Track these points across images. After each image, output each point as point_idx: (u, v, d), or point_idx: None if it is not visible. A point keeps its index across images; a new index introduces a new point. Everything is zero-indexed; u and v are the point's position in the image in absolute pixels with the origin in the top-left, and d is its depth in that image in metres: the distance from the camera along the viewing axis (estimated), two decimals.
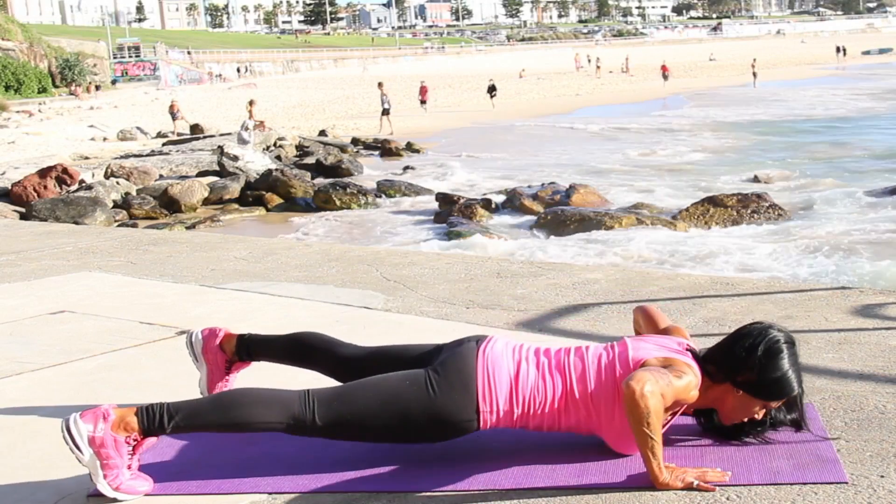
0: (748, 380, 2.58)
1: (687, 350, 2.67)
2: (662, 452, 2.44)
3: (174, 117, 30.63)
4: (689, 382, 2.54)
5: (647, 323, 2.94)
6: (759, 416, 2.66)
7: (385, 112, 29.52)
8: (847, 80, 49.94)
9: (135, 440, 2.55)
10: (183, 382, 3.37)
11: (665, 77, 49.68)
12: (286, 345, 3.00)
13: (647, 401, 2.38)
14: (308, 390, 2.63)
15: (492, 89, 37.72)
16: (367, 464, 2.67)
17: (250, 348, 3.06)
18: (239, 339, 3.07)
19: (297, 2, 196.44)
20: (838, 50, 73.66)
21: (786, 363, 2.57)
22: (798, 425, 2.69)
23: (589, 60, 71.91)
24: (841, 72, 57.98)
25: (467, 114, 35.05)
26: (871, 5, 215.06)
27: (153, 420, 2.55)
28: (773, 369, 2.56)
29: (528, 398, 2.61)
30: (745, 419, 2.66)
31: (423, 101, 35.11)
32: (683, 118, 31.80)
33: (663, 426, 2.52)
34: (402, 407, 2.58)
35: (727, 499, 2.37)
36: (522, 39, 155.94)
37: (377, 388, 2.62)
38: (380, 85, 30.96)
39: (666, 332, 2.82)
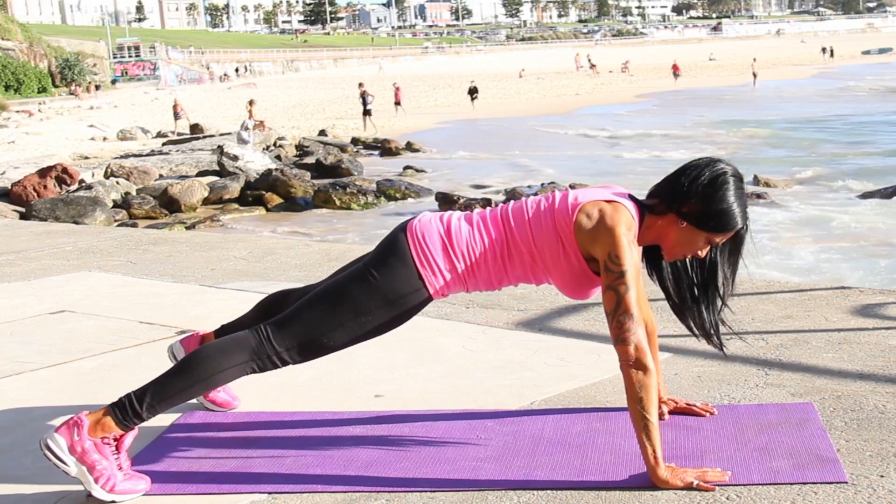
0: (692, 210, 2.54)
1: (623, 193, 2.64)
2: (660, 440, 2.43)
3: (177, 116, 30.63)
4: (631, 259, 2.48)
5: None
6: (703, 252, 2.62)
7: (367, 112, 29.51)
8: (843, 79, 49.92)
9: (115, 439, 2.54)
10: None
11: (676, 76, 50.68)
12: (256, 312, 3.00)
13: (638, 376, 2.41)
14: (260, 324, 2.63)
15: (473, 91, 37.50)
16: (367, 464, 2.67)
17: (227, 332, 3.04)
18: (216, 333, 3.07)
19: (297, 1, 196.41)
20: (824, 51, 72.87)
21: (731, 195, 2.53)
22: (733, 262, 2.65)
23: (589, 60, 71.97)
24: (836, 72, 57.89)
25: (467, 113, 35.07)
26: (871, 5, 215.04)
27: (125, 411, 2.54)
28: (718, 200, 2.52)
29: (466, 251, 2.61)
30: (689, 255, 2.62)
31: (397, 103, 34.92)
32: (683, 118, 31.79)
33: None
34: (350, 302, 2.59)
35: (727, 499, 2.37)
36: (522, 39, 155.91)
37: (321, 294, 2.63)
38: (360, 85, 31.08)
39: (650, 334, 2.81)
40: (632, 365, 2.43)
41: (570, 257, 2.58)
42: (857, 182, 16.81)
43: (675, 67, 52.10)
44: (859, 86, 45.19)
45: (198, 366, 2.58)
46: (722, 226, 2.55)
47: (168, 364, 3.04)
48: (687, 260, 2.71)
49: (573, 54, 74.94)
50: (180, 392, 2.58)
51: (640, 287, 2.53)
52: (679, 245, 2.60)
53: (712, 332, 2.72)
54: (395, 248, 2.63)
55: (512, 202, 2.71)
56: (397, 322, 2.65)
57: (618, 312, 2.46)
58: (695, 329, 2.74)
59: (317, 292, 2.67)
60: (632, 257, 2.50)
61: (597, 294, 2.64)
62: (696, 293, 2.71)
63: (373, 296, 2.59)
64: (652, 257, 2.75)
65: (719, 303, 2.71)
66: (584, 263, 2.58)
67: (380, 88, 39.51)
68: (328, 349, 2.64)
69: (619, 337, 2.45)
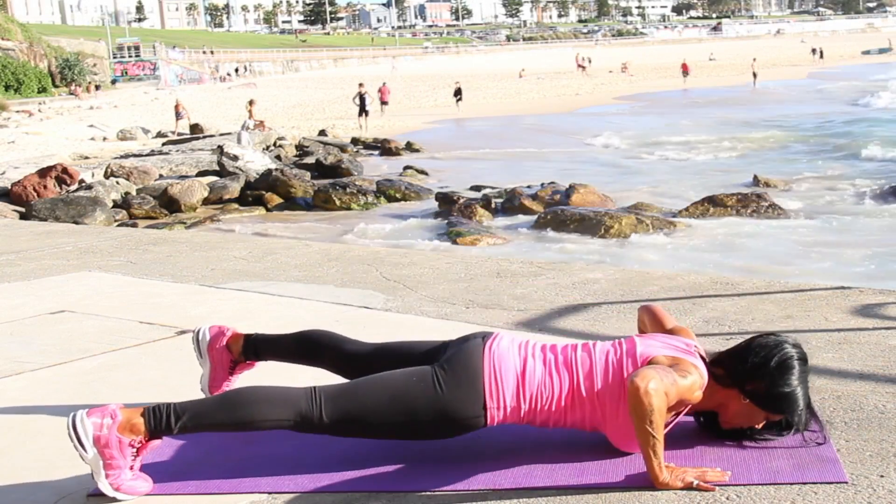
0: (756, 390, 2.59)
1: (694, 351, 2.67)
2: (663, 452, 2.44)
3: (178, 116, 30.62)
4: (694, 382, 2.55)
5: (652, 322, 2.93)
6: (760, 426, 2.67)
7: (365, 112, 29.41)
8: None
9: (140, 443, 2.55)
10: (183, 382, 3.37)
11: (685, 75, 51.31)
12: (293, 343, 3.00)
13: (651, 398, 2.38)
14: (315, 387, 2.63)
15: (457, 93, 37.24)
16: (367, 464, 2.67)
17: (258, 348, 3.06)
18: (246, 338, 3.07)
19: (297, 1, 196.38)
20: (814, 52, 72.14)
21: (795, 380, 2.58)
22: (781, 431, 2.68)
23: (589, 61, 71.98)
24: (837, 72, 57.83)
25: (467, 113, 35.09)
26: (871, 5, 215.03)
27: (160, 421, 2.55)
28: (783, 384, 2.57)
29: (535, 394, 2.61)
30: (746, 426, 2.67)
31: (383, 102, 35.10)
32: (680, 118, 31.80)
33: (666, 426, 2.52)
34: (409, 403, 2.58)
35: (727, 499, 2.37)
36: (522, 39, 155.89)
37: (384, 384, 2.62)
38: (360, 85, 30.98)
39: (672, 332, 2.82)
40: (644, 393, 2.39)
41: (628, 410, 2.54)
42: (859, 181, 16.81)
43: (684, 66, 52.80)
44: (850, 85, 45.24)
45: (243, 408, 2.58)
46: (783, 408, 2.60)
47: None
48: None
49: (574, 55, 74.94)
50: (217, 425, 2.59)
51: (670, 401, 2.51)
52: (739, 417, 2.66)
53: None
54: (469, 367, 2.61)
55: (581, 344, 2.71)
56: (442, 436, 2.65)
57: (666, 366, 2.50)
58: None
59: (381, 378, 2.64)
60: (693, 384, 2.53)
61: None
62: (748, 436, 2.73)
63: (432, 406, 2.58)
64: (705, 413, 2.76)
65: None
66: None
67: (392, 88, 39.56)
68: (367, 435, 2.66)
69: (653, 366, 2.48)
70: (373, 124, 29.95)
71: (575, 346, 2.71)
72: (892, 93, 38.19)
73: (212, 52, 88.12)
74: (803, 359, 2.62)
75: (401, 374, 2.64)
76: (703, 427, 2.77)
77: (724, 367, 2.66)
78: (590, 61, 72.08)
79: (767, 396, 2.58)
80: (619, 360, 2.62)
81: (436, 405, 2.57)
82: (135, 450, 2.54)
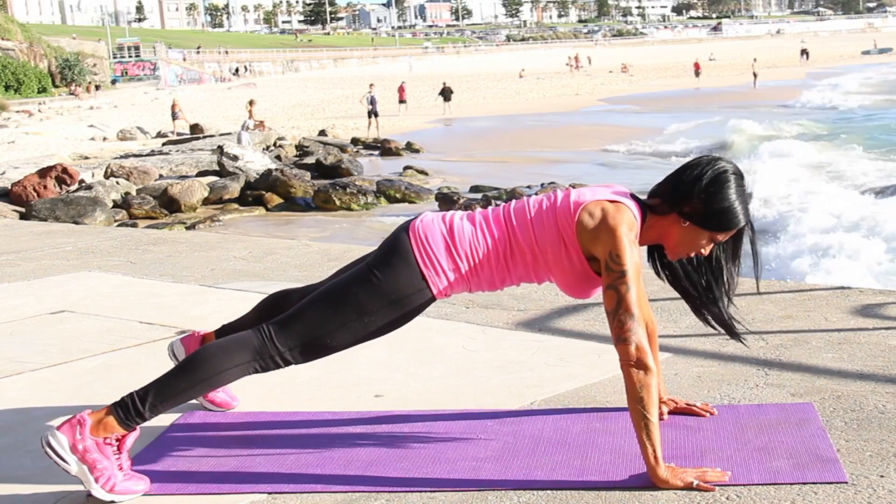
0: (695, 209, 2.55)
1: (625, 191, 2.65)
2: (660, 439, 2.43)
3: (175, 117, 30.62)
4: (632, 259, 2.49)
5: None
6: (706, 250, 2.63)
7: (374, 113, 29.20)
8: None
9: (116, 439, 2.54)
10: None
11: (697, 74, 51.72)
12: (258, 312, 3.00)
13: (639, 376, 2.41)
14: (262, 324, 2.64)
15: (445, 93, 36.76)
16: (367, 464, 2.67)
17: (228, 333, 3.05)
18: (216, 333, 3.07)
19: (297, 1, 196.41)
20: (803, 53, 71.01)
21: (733, 193, 2.54)
22: (735, 257, 2.67)
23: (589, 61, 71.99)
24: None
25: (467, 112, 35.09)
26: (871, 5, 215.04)
27: (128, 410, 2.54)
28: (720, 199, 2.53)
29: (470, 251, 2.62)
30: (692, 254, 2.64)
31: (402, 101, 35.62)
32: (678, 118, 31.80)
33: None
34: (353, 303, 2.59)
35: (727, 499, 2.37)
36: (522, 39, 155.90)
37: (324, 295, 2.64)
38: (371, 86, 30.75)
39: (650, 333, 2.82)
40: (633, 364, 2.43)
41: (571, 257, 2.59)
42: (859, 180, 16.80)
43: (696, 66, 53.16)
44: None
45: (200, 366, 2.58)
46: (724, 224, 2.56)
47: (168, 363, 3.05)
48: (694, 259, 2.71)
49: (573, 55, 74.94)
50: (183, 392, 2.58)
51: (641, 287, 2.54)
52: (682, 244, 2.62)
53: (727, 322, 2.73)
54: (397, 248, 2.63)
55: (514, 201, 2.71)
56: (400, 322, 2.65)
57: (619, 312, 2.47)
58: (713, 324, 2.76)
59: (319, 292, 2.67)
60: (633, 257, 2.50)
61: (598, 294, 2.64)
62: (706, 291, 2.72)
63: (376, 296, 2.59)
64: (663, 258, 2.75)
65: (725, 294, 2.72)
66: (585, 263, 2.59)
67: (409, 87, 39.69)
68: (331, 349, 2.64)
69: (620, 336, 2.46)
70: (393, 122, 29.81)
71: (507, 205, 2.71)
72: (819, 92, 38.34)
73: (226, 52, 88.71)
74: (738, 173, 2.58)
75: (337, 281, 2.67)
76: (661, 273, 2.76)
77: (659, 195, 2.63)
78: (590, 61, 72.14)
79: (706, 213, 2.54)
80: (552, 207, 2.61)
81: (378, 294, 2.58)
82: (114, 447, 2.53)
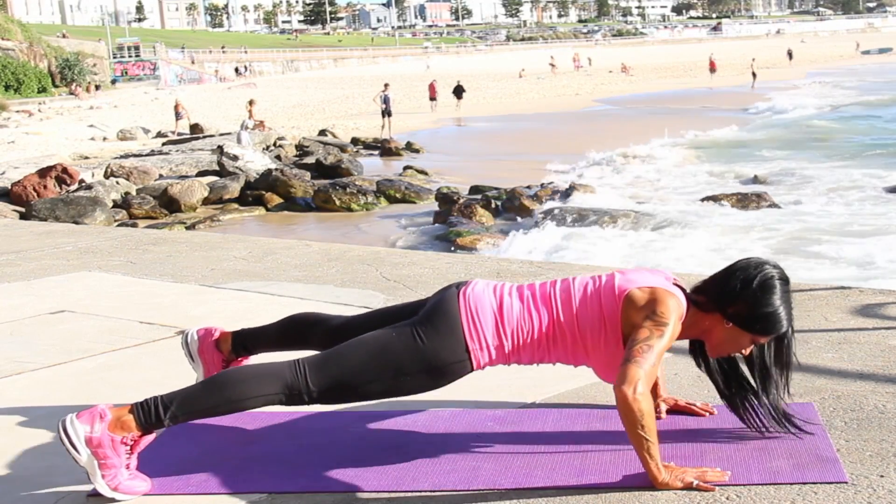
0: (739, 312, 2.58)
1: (672, 281, 2.67)
2: (659, 452, 2.44)
3: (178, 116, 30.59)
4: (674, 329, 2.53)
5: None
6: (747, 352, 2.66)
7: (388, 113, 28.99)
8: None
9: (132, 440, 2.54)
10: (182, 382, 3.36)
11: (713, 72, 52.04)
12: (280, 329, 3.02)
13: (639, 404, 2.39)
14: (298, 359, 2.64)
15: (458, 91, 37.49)
16: (367, 464, 2.67)
17: (246, 342, 3.06)
18: (234, 336, 3.08)
19: (297, 1, 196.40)
20: (790, 55, 68.58)
21: (778, 299, 2.57)
22: (779, 361, 2.67)
23: (589, 61, 71.98)
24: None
25: (467, 112, 35.13)
26: (871, 5, 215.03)
27: (149, 414, 2.55)
28: (765, 304, 2.56)
29: (516, 330, 2.63)
30: (733, 353, 2.67)
31: (432, 98, 36.65)
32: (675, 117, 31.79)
33: None
34: (392, 359, 2.60)
35: (727, 498, 2.37)
36: (522, 39, 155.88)
37: (365, 345, 2.64)
38: (386, 86, 30.46)
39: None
40: (633, 400, 2.39)
41: (609, 341, 2.60)
42: (860, 180, 16.82)
43: (711, 64, 53.39)
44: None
45: (228, 387, 2.59)
46: (768, 329, 2.59)
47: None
48: (738, 360, 2.74)
49: (572, 54, 74.98)
50: (206, 409, 2.59)
51: (658, 363, 2.52)
52: (724, 343, 2.65)
53: (776, 418, 2.71)
54: (446, 313, 2.63)
55: (560, 281, 2.72)
56: (433, 386, 2.66)
57: (646, 341, 2.48)
58: (750, 420, 2.74)
59: (361, 341, 2.66)
60: (673, 330, 2.53)
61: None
62: (746, 389, 2.74)
63: (416, 359, 2.59)
64: (700, 352, 2.78)
65: (773, 394, 2.71)
66: (620, 346, 2.60)
67: (394, 88, 39.86)
68: (359, 398, 2.67)
69: (634, 358, 2.46)
70: (422, 119, 29.76)
71: (554, 282, 2.72)
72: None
73: (244, 51, 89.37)
74: (784, 279, 2.61)
75: (380, 333, 2.66)
76: (695, 358, 2.79)
77: (705, 293, 2.65)
78: (590, 62, 72.13)
79: (751, 317, 2.57)
80: (597, 291, 2.63)
81: (419, 356, 2.59)
82: (128, 447, 2.54)
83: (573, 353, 2.66)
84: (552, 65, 65.31)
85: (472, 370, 2.64)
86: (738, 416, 2.77)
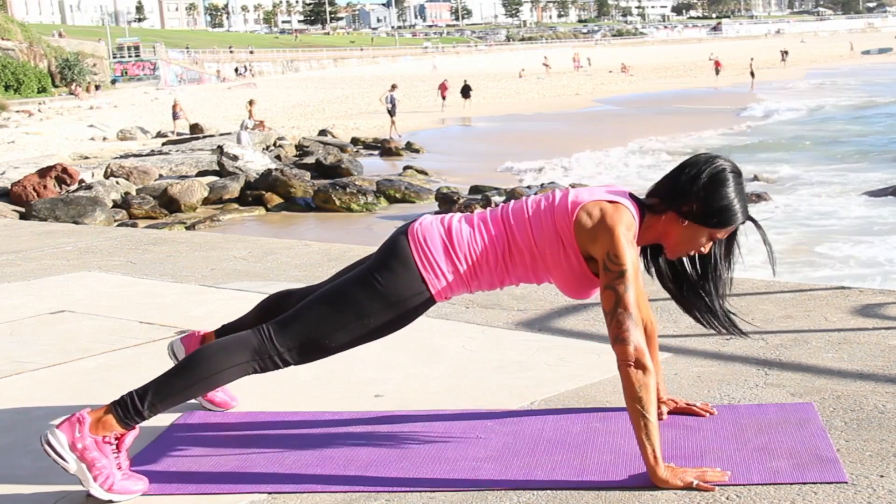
0: (693, 208, 2.56)
1: (623, 191, 2.65)
2: (659, 439, 2.43)
3: (175, 116, 30.60)
4: (632, 259, 2.51)
5: None
6: (706, 248, 2.64)
7: (392, 114, 28.99)
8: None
9: (115, 438, 2.54)
10: None
11: (717, 72, 52.12)
12: (257, 312, 3.01)
13: (638, 375, 2.41)
14: (262, 324, 2.64)
15: (465, 90, 37.84)
16: (367, 464, 2.67)
17: (228, 333, 3.05)
18: (216, 333, 3.07)
19: (297, 1, 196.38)
20: (784, 56, 67.07)
21: (731, 191, 2.56)
22: (729, 255, 2.68)
23: (589, 62, 71.96)
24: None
25: (466, 112, 35.13)
26: (871, 5, 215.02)
27: (127, 409, 2.54)
28: (718, 196, 2.55)
29: (468, 252, 2.63)
30: (691, 252, 2.65)
31: (444, 97, 37.46)
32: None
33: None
34: (353, 305, 2.60)
35: (727, 498, 2.37)
36: (522, 39, 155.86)
37: (325, 297, 2.64)
38: (393, 87, 30.30)
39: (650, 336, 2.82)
40: (631, 364, 2.43)
41: (570, 257, 2.59)
42: (859, 180, 16.82)
43: (717, 64, 53.44)
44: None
45: (199, 365, 2.58)
46: (724, 221, 2.57)
47: (168, 363, 3.05)
48: (686, 259, 2.72)
49: (572, 54, 75.00)
50: (182, 391, 2.58)
51: (640, 287, 2.53)
52: (682, 243, 2.62)
53: (725, 320, 2.73)
54: (396, 250, 2.63)
55: (512, 202, 2.72)
56: (400, 324, 2.66)
57: (616, 311, 2.47)
58: (704, 321, 2.75)
59: (319, 294, 2.68)
60: (631, 257, 2.51)
61: (597, 294, 2.64)
62: (697, 288, 2.72)
63: (375, 298, 2.59)
64: (650, 256, 2.76)
65: (723, 293, 2.72)
66: (583, 263, 2.59)
67: (409, 87, 40.30)
68: (330, 350, 2.65)
69: (618, 336, 2.46)
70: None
71: (505, 205, 2.72)
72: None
73: (251, 51, 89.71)
74: (736, 171, 2.60)
75: (337, 283, 2.68)
76: (649, 270, 2.78)
77: (657, 195, 2.63)
78: (589, 62, 72.11)
79: (705, 212, 2.55)
80: (550, 208, 2.62)
81: (378, 295, 2.59)
82: (113, 446, 2.53)
83: (533, 269, 2.64)
84: (546, 65, 65.36)
85: (433, 299, 2.64)
86: (693, 318, 2.77)
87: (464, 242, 2.63)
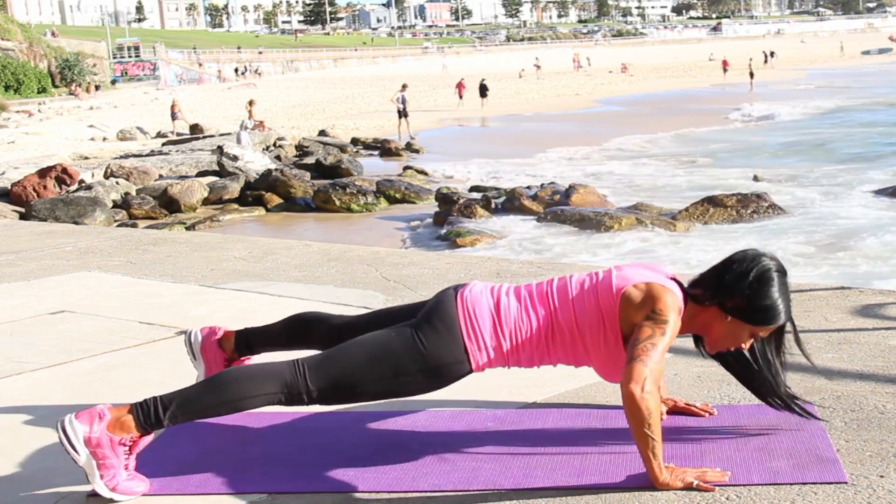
0: (738, 305, 2.58)
1: (669, 275, 2.67)
2: (663, 452, 2.44)
3: (174, 117, 30.60)
4: (674, 325, 2.53)
5: None
6: (747, 345, 2.66)
7: (404, 114, 28.65)
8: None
9: (131, 440, 2.54)
10: (182, 383, 3.36)
11: (725, 71, 52.75)
12: (283, 328, 3.02)
13: (647, 402, 2.39)
14: (297, 359, 2.64)
15: (483, 89, 38.29)
16: (367, 464, 2.67)
17: (249, 341, 3.07)
18: (237, 334, 3.08)
19: (297, 2, 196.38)
20: (771, 55, 66.00)
21: (776, 291, 2.57)
22: (779, 351, 2.70)
23: (589, 62, 71.97)
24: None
25: (466, 112, 35.14)
26: (871, 5, 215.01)
27: (149, 415, 2.55)
28: (763, 296, 2.56)
29: (514, 330, 2.63)
30: (732, 347, 2.66)
31: (461, 96, 38.29)
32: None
33: None
34: (392, 360, 2.60)
35: (727, 499, 2.37)
36: (522, 39, 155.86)
37: (365, 345, 2.64)
38: (404, 87, 30.06)
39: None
40: (641, 399, 2.40)
41: (608, 338, 2.60)
42: (860, 181, 16.83)
43: (724, 63, 53.90)
44: None
45: (228, 387, 2.58)
46: (767, 320, 2.59)
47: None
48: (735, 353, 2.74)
49: (572, 54, 75.01)
50: (206, 409, 2.59)
51: (662, 365, 2.51)
52: (723, 338, 2.65)
53: (790, 403, 2.74)
54: (444, 316, 2.63)
55: (557, 279, 2.73)
56: (432, 387, 2.67)
57: (649, 340, 2.48)
58: (775, 405, 2.77)
59: (361, 341, 2.66)
60: (673, 321, 2.53)
61: None
62: (760, 377, 2.75)
63: (415, 360, 2.60)
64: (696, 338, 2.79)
65: (783, 383, 2.74)
66: (621, 344, 2.59)
67: (445, 87, 40.62)
68: (358, 399, 2.67)
69: (639, 356, 2.45)
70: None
71: (551, 281, 2.72)
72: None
73: (259, 52, 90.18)
74: (781, 271, 2.61)
75: (380, 334, 2.67)
76: (701, 352, 2.80)
77: (702, 286, 2.64)
78: (589, 62, 72.13)
79: (749, 309, 2.57)
80: (594, 288, 2.63)
81: (418, 358, 2.59)
82: (127, 448, 2.54)
83: (573, 352, 2.65)
84: (537, 66, 65.27)
85: (471, 371, 2.64)
86: (767, 403, 2.78)
87: (511, 319, 2.64)
